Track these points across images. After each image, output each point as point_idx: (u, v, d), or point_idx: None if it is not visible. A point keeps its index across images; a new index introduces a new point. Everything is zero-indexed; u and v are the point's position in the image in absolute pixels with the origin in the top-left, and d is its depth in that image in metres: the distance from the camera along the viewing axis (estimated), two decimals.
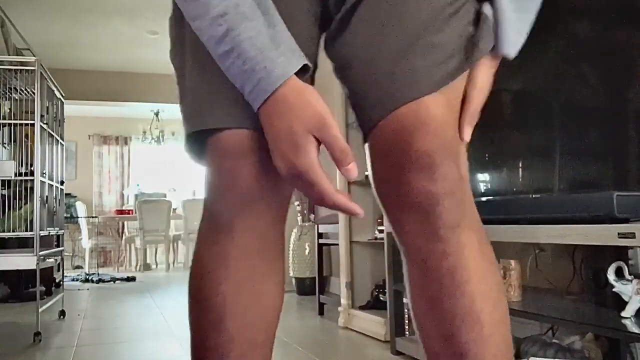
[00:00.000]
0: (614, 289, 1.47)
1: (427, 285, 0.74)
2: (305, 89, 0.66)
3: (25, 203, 2.89)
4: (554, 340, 1.73)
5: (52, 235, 3.23)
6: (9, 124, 3.03)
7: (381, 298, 2.86)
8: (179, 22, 0.79)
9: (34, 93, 2.82)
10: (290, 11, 0.74)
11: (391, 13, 0.71)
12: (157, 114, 8.00)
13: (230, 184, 0.75)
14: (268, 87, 0.65)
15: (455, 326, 0.71)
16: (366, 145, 0.77)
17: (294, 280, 4.29)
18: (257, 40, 0.66)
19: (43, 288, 3.62)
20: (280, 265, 0.83)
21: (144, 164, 8.86)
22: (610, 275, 1.46)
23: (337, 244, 3.18)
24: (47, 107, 3.07)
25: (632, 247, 1.56)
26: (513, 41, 0.79)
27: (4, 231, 2.90)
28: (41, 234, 2.81)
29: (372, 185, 0.77)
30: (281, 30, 0.68)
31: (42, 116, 2.87)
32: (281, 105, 0.66)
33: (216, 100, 0.74)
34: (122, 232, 7.90)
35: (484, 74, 0.77)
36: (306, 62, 0.68)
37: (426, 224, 0.71)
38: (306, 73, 0.69)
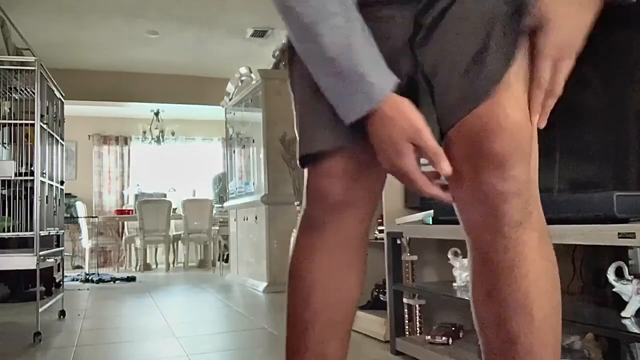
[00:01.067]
0: (614, 289, 1.47)
1: (487, 276, 0.82)
2: (401, 102, 0.78)
3: (26, 203, 2.89)
4: None
5: (52, 235, 3.23)
6: (9, 124, 3.02)
7: (381, 298, 2.86)
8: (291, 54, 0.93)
9: (34, 93, 2.82)
10: (388, 31, 0.86)
11: (466, 20, 0.80)
12: (157, 114, 8.00)
13: (323, 196, 0.91)
14: (366, 105, 0.78)
15: (508, 316, 0.79)
16: (442, 143, 0.84)
17: None
18: (359, 60, 0.78)
19: (43, 288, 3.62)
20: (360, 262, 0.98)
21: (144, 164, 8.86)
22: (610, 275, 1.46)
23: None
24: (47, 107, 3.07)
25: (632, 247, 1.56)
26: None
27: (4, 231, 2.90)
28: (41, 234, 2.81)
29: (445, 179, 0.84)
30: (376, 49, 0.80)
31: (42, 116, 2.87)
32: (382, 118, 0.78)
33: (314, 129, 0.89)
34: (122, 232, 7.89)
35: (560, 24, 0.78)
36: (397, 80, 0.79)
37: (492, 219, 0.78)
38: (398, 87, 0.79)
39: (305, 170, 0.95)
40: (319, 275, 0.95)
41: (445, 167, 0.78)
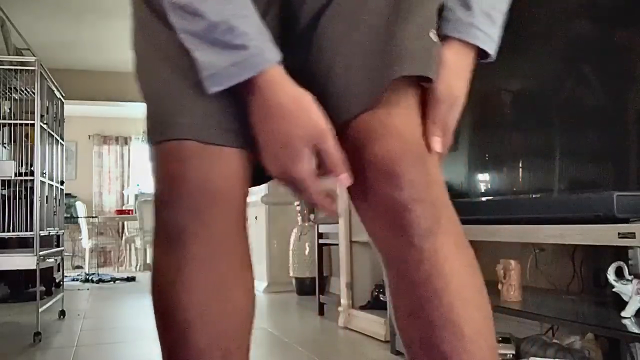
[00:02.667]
0: (614, 289, 1.47)
1: (405, 293, 0.72)
2: (303, 96, 0.67)
3: (26, 203, 2.89)
4: (554, 340, 1.73)
5: (52, 235, 3.23)
6: (9, 124, 3.03)
7: (381, 298, 2.86)
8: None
9: (34, 93, 2.82)
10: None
11: (350, 19, 0.72)
12: None
13: (177, 190, 0.71)
14: (256, 65, 0.65)
15: (435, 335, 0.69)
16: None
17: (294, 280, 4.29)
18: (252, 20, 0.67)
19: (43, 288, 3.62)
20: (246, 272, 0.79)
21: (144, 164, 8.86)
22: (610, 275, 1.46)
23: (337, 244, 3.18)
24: (47, 107, 3.07)
25: (632, 247, 1.56)
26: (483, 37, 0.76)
27: (4, 231, 2.90)
28: (41, 234, 2.81)
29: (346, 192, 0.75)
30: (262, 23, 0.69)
31: (42, 116, 2.87)
32: (279, 110, 0.66)
33: (177, 100, 0.72)
34: (122, 232, 7.90)
35: (449, 79, 0.74)
36: (281, 56, 0.68)
37: (398, 232, 0.70)
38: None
39: (149, 151, 0.76)
40: (194, 305, 0.73)
41: (345, 180, 0.69)
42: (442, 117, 0.73)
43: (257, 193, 4.82)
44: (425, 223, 0.69)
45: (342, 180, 0.69)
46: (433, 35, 0.72)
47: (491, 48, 0.76)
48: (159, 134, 0.74)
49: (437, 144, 0.72)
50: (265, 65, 0.66)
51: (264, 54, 0.66)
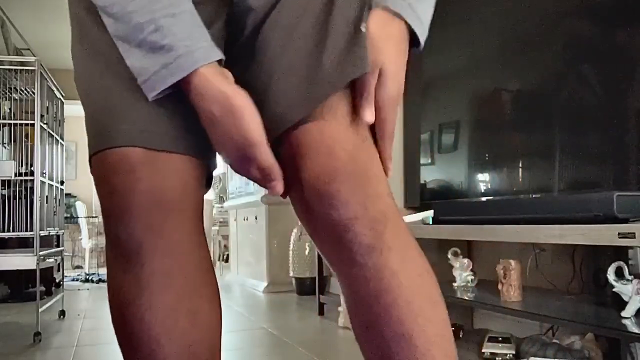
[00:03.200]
0: (614, 289, 1.47)
1: (358, 311, 0.71)
2: (234, 102, 0.63)
3: (26, 203, 2.89)
4: (554, 340, 1.73)
5: (52, 235, 3.23)
6: (9, 124, 3.03)
7: None
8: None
9: (34, 93, 2.82)
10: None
11: (284, 37, 0.70)
12: None
13: (128, 204, 0.68)
14: (185, 67, 0.62)
15: (390, 351, 0.69)
16: None
17: (294, 280, 4.29)
18: (181, 19, 0.64)
19: (43, 288, 3.62)
20: (208, 279, 0.77)
21: None
22: (610, 275, 1.46)
23: None
24: (47, 107, 3.07)
25: (632, 247, 1.56)
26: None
27: (4, 231, 2.90)
28: (41, 234, 2.81)
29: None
30: (200, 21, 0.66)
31: (42, 116, 2.87)
32: (209, 116, 0.65)
33: (123, 116, 0.68)
34: None
35: (372, 47, 0.68)
36: (222, 57, 0.66)
37: (341, 251, 0.68)
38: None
39: (91, 164, 0.72)
40: (159, 322, 0.71)
41: (274, 189, 0.68)
42: (369, 87, 0.68)
43: (257, 193, 4.82)
44: (366, 240, 0.67)
45: (272, 190, 0.68)
46: (364, 27, 0.68)
47: (420, 31, 0.71)
48: (103, 142, 0.69)
49: (368, 114, 0.68)
50: (194, 66, 0.63)
51: (193, 54, 0.63)
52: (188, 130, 0.70)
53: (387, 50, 0.68)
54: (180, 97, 0.67)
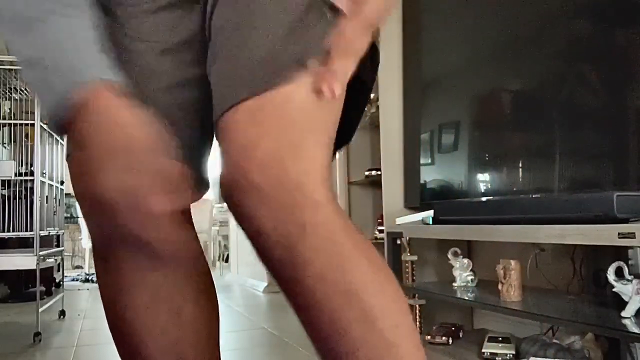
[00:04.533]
0: (614, 289, 1.47)
1: (306, 327, 0.66)
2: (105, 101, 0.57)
3: (26, 203, 2.89)
4: (554, 340, 1.73)
5: (52, 235, 3.23)
6: (9, 124, 3.03)
7: None
8: None
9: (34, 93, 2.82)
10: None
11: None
12: None
13: (97, 209, 0.61)
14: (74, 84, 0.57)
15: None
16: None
17: None
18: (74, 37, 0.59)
19: (43, 288, 3.61)
20: (191, 277, 0.75)
21: None
22: (610, 275, 1.46)
23: None
24: None
25: (632, 247, 1.56)
26: None
27: (4, 231, 2.90)
28: (41, 234, 2.81)
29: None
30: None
31: (42, 116, 2.87)
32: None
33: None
34: None
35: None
36: (119, 81, 0.60)
37: (254, 242, 0.61)
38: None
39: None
40: (138, 318, 0.71)
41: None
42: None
43: None
44: (283, 231, 0.57)
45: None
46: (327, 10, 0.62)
47: None
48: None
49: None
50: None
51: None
52: (178, 134, 0.67)
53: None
54: (165, 99, 0.67)
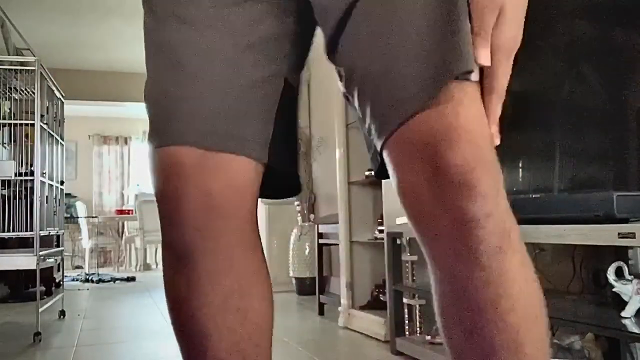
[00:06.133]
0: (614, 289, 1.47)
1: (466, 314, 0.65)
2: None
3: (26, 203, 2.89)
4: (554, 340, 1.73)
5: (52, 235, 3.23)
6: (9, 124, 3.03)
7: (381, 298, 2.86)
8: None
9: (34, 93, 2.82)
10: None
11: (391, 10, 0.64)
12: None
13: (180, 208, 0.69)
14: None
15: (497, 357, 0.64)
16: (385, 155, 0.67)
17: (294, 280, 4.29)
18: None
19: (43, 288, 3.62)
20: (261, 281, 0.78)
21: (144, 164, 8.86)
22: (610, 275, 1.46)
23: (337, 244, 3.18)
24: (47, 107, 3.07)
25: (632, 247, 1.56)
26: None
27: (4, 231, 2.90)
28: (41, 234, 2.81)
29: (399, 198, 0.67)
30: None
31: (42, 116, 2.87)
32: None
33: (176, 113, 0.70)
34: (122, 232, 7.89)
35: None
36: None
37: (465, 248, 0.62)
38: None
39: (149, 154, 0.73)
40: (209, 317, 0.74)
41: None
42: (486, 25, 0.62)
43: None
44: (495, 240, 0.61)
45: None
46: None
47: None
48: (157, 139, 0.71)
49: (482, 54, 0.62)
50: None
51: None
52: (247, 129, 0.70)
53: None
54: (244, 94, 0.68)
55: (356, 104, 0.69)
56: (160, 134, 0.71)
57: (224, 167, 0.70)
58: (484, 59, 0.62)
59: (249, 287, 0.76)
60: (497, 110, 0.65)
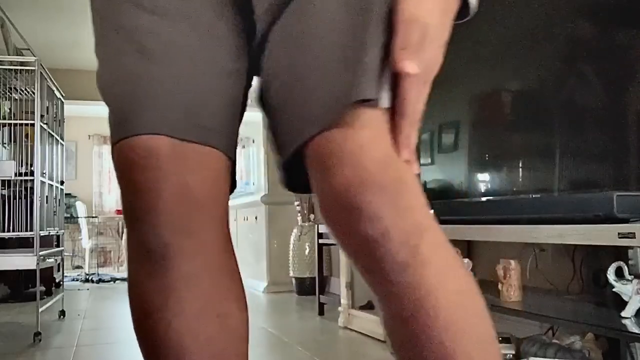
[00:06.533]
0: (614, 289, 1.47)
1: (394, 328, 0.64)
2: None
3: (26, 203, 2.89)
4: (554, 340, 1.73)
5: (52, 235, 3.23)
6: (9, 124, 3.03)
7: None
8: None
9: (34, 93, 2.82)
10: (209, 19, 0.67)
11: (304, 31, 0.62)
12: None
13: (153, 202, 0.63)
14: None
15: None
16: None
17: (294, 280, 4.29)
18: None
19: (43, 288, 3.62)
20: (236, 282, 0.73)
21: None
22: (610, 275, 1.46)
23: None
24: (47, 107, 3.07)
25: (632, 247, 1.56)
26: None
27: (4, 231, 2.90)
28: (41, 234, 2.81)
29: None
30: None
31: (42, 116, 2.87)
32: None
33: (148, 101, 0.63)
34: (122, 232, 7.89)
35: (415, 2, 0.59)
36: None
37: (373, 268, 0.61)
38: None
39: (113, 155, 0.67)
40: (186, 327, 0.67)
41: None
42: (412, 40, 0.59)
43: (257, 193, 4.82)
44: (399, 257, 0.59)
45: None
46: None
47: None
48: (125, 129, 0.64)
49: (408, 65, 0.59)
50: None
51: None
52: (221, 122, 0.67)
53: (430, 7, 0.59)
54: (216, 85, 0.65)
55: (269, 118, 0.67)
56: (130, 124, 0.63)
57: (201, 159, 0.65)
58: (410, 67, 0.59)
59: (226, 290, 0.70)
60: (407, 135, 0.61)
